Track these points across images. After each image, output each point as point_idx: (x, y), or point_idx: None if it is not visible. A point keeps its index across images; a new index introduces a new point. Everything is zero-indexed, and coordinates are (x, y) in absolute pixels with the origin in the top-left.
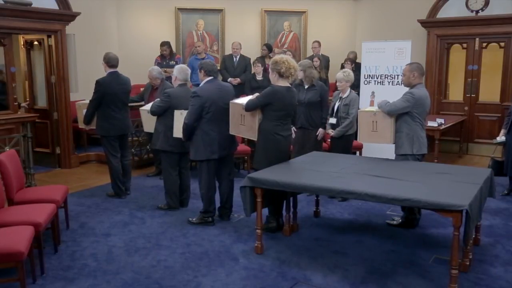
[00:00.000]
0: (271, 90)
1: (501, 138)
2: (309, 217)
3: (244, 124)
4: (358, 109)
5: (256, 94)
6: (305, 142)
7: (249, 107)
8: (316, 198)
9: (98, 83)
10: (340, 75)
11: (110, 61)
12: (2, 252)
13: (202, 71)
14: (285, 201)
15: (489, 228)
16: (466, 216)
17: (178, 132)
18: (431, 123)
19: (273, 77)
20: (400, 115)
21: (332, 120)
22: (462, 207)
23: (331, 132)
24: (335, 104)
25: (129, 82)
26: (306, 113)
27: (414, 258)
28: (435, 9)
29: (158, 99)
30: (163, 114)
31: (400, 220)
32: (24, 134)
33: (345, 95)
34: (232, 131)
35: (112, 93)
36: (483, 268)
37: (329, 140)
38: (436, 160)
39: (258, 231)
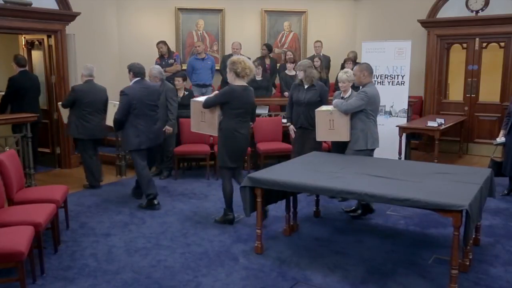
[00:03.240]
0: (228, 89)
1: (500, 139)
2: (309, 217)
3: (204, 121)
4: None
5: (215, 92)
6: (305, 142)
7: (206, 104)
8: (316, 198)
9: (11, 80)
10: (343, 76)
11: (20, 62)
12: (2, 252)
13: (131, 72)
14: (285, 201)
15: (489, 228)
16: (466, 216)
17: (110, 121)
18: (431, 123)
19: (230, 77)
20: (355, 113)
21: None
22: (462, 207)
23: None
24: None
25: (38, 79)
26: (306, 113)
27: (414, 258)
28: (435, 9)
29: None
30: (73, 107)
31: (360, 211)
32: (24, 134)
33: (347, 95)
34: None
35: (24, 89)
36: (483, 268)
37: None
38: (436, 160)
39: (258, 231)
